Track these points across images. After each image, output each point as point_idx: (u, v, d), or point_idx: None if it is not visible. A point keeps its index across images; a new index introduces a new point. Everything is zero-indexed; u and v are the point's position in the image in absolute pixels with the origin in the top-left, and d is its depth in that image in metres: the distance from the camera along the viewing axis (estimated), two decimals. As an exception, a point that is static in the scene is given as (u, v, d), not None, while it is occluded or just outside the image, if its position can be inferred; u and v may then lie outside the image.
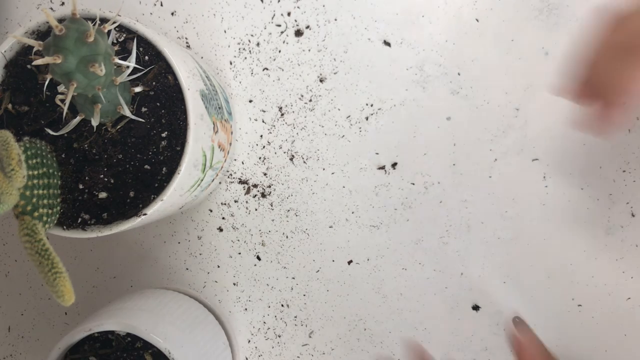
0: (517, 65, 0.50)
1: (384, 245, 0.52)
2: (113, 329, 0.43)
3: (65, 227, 0.42)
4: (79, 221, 0.43)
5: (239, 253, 0.54)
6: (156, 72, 0.42)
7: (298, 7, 0.52)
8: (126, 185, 0.43)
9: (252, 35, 0.52)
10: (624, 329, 0.51)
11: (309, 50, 0.52)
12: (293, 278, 0.54)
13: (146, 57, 0.42)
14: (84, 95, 0.38)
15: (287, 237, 0.53)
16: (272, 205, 0.53)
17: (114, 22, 0.38)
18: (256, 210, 0.53)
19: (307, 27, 0.52)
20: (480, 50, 0.50)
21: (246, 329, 0.54)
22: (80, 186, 0.43)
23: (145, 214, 0.41)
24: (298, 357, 0.54)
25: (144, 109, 0.42)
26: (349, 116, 0.52)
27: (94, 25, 0.36)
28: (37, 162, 0.38)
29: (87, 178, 0.42)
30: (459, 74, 0.51)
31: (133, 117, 0.40)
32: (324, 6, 0.51)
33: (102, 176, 0.42)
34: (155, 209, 0.41)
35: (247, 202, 0.53)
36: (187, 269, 0.54)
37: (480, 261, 0.52)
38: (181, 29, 0.53)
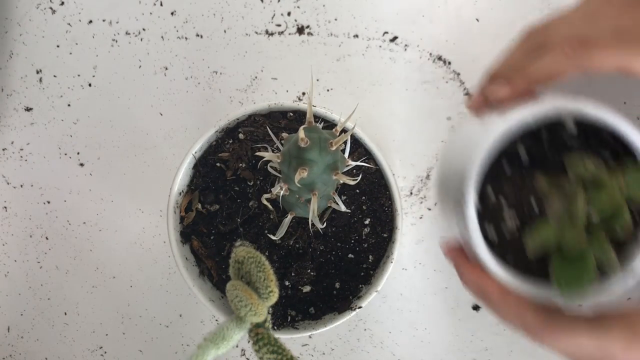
0: (518, 65, 0.50)
1: (384, 245, 0.52)
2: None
3: (275, 327, 0.40)
4: (288, 319, 0.42)
5: (239, 253, 0.54)
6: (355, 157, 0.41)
7: (298, 7, 0.52)
8: (330, 276, 0.42)
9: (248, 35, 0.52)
10: (624, 329, 0.50)
11: (310, 50, 0.52)
12: (293, 278, 0.53)
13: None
14: (295, 195, 0.36)
15: (287, 237, 0.53)
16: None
17: (346, 131, 0.34)
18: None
19: (307, 26, 0.52)
20: (480, 50, 0.50)
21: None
22: (287, 283, 0.41)
23: (360, 307, 0.41)
24: (298, 357, 0.54)
25: (343, 197, 0.41)
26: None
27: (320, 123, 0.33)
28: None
29: (293, 274, 0.41)
30: (459, 74, 0.51)
31: (344, 209, 0.38)
32: (324, 6, 0.51)
33: (309, 271, 0.41)
34: (370, 301, 0.40)
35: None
36: (187, 269, 0.54)
37: (481, 261, 0.52)
38: (181, 29, 0.53)
